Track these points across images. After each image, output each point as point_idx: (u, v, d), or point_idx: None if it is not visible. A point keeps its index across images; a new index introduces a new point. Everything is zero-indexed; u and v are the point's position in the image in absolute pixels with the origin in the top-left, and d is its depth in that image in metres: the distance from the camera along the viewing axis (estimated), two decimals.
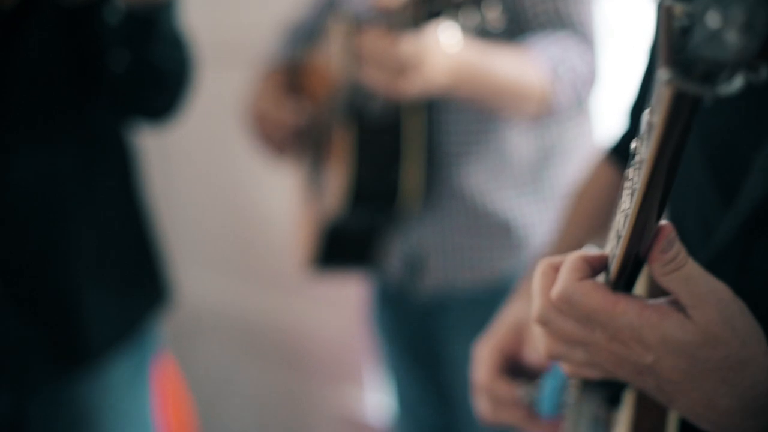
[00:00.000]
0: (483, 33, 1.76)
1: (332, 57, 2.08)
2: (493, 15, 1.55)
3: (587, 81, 1.87)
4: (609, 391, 1.07)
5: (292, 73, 2.29)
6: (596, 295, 0.76)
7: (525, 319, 1.25)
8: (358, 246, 2.15)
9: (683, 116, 0.60)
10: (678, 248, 0.74)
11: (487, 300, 1.75)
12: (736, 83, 0.56)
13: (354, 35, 1.93)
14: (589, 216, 1.34)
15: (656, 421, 0.97)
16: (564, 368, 0.87)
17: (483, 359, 1.26)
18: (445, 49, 1.67)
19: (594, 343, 0.78)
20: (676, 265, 0.74)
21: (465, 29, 1.61)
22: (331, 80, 2.15)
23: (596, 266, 0.80)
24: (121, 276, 1.87)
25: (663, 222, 0.73)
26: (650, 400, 0.90)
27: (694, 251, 0.79)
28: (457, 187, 1.97)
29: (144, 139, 2.27)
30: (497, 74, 1.75)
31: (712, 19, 0.53)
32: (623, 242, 0.74)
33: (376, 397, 3.12)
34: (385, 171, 1.97)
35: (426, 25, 1.60)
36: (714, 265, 0.80)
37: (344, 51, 1.98)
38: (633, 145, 0.72)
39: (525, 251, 1.98)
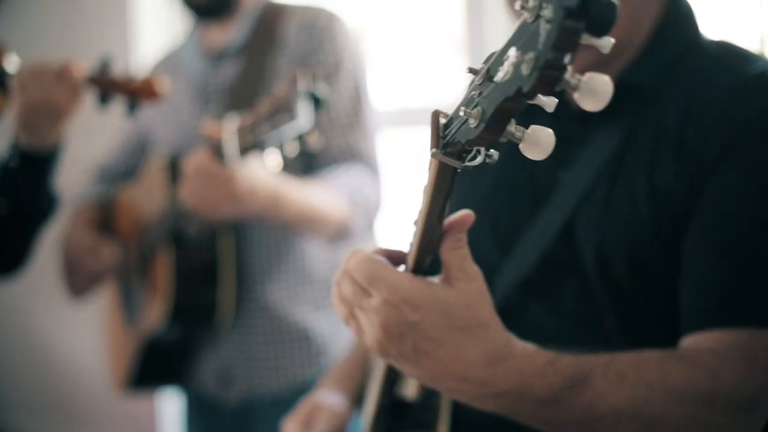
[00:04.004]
0: (303, 156, 1.94)
1: (150, 189, 2.21)
2: (313, 138, 1.71)
3: (376, 205, 2.10)
4: None
5: (103, 212, 2.39)
6: (377, 264, 0.95)
7: (324, 402, 1.49)
8: (174, 363, 2.24)
9: (445, 180, 0.89)
10: (464, 234, 0.95)
11: (291, 400, 1.81)
12: (478, 160, 0.85)
13: (174, 167, 2.09)
14: None
15: None
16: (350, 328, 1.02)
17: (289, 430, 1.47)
18: (263, 177, 1.81)
19: (369, 308, 0.95)
20: (461, 245, 0.95)
21: (286, 156, 1.74)
22: (141, 215, 2.26)
23: (390, 255, 0.99)
24: None
25: (466, 213, 0.96)
26: None
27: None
28: (261, 303, 2.12)
29: None
30: (304, 203, 1.91)
31: (461, 111, 0.82)
32: (414, 247, 0.95)
33: None
34: (203, 288, 2.09)
35: (250, 153, 1.73)
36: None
37: (164, 181, 2.12)
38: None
39: (323, 359, 2.14)
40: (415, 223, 0.96)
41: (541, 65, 0.69)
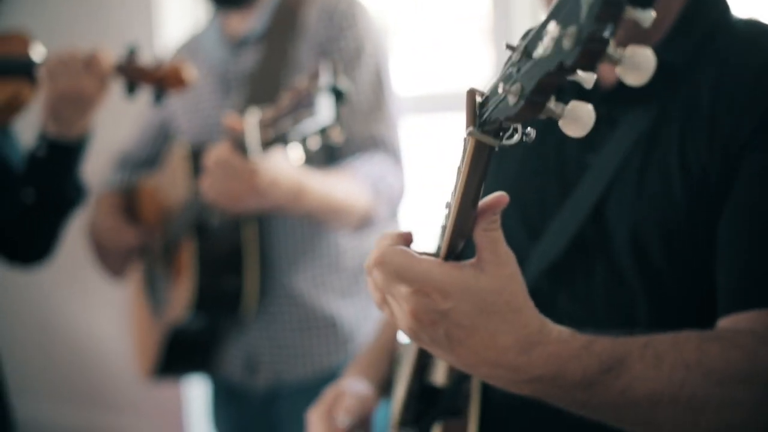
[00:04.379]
0: (326, 150, 1.93)
1: (173, 178, 2.21)
2: (335, 132, 1.72)
3: (399, 194, 2.09)
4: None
5: (127, 198, 2.40)
6: (404, 256, 0.92)
7: (348, 389, 1.47)
8: (200, 351, 2.24)
9: (481, 160, 0.87)
10: (498, 216, 0.92)
11: (318, 387, 1.79)
12: (515, 138, 0.84)
13: (196, 157, 2.07)
14: None
15: None
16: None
17: (314, 421, 1.45)
18: (285, 170, 1.80)
19: (400, 297, 0.92)
20: (494, 227, 0.92)
21: (308, 150, 1.74)
22: (165, 204, 2.27)
23: (409, 239, 0.97)
24: None
25: (501, 194, 0.92)
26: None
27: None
28: (287, 290, 2.12)
29: None
30: (327, 194, 1.90)
31: (500, 88, 0.80)
32: (448, 231, 0.92)
33: None
34: (227, 276, 2.09)
35: (272, 147, 1.73)
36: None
37: (186, 171, 2.12)
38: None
39: (351, 346, 2.14)
40: (447, 206, 0.94)
41: (584, 39, 0.68)
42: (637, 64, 0.71)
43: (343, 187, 1.94)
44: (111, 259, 2.33)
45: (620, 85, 1.25)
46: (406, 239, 0.96)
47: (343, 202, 1.93)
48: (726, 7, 1.25)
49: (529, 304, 0.94)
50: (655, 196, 1.18)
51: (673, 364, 0.98)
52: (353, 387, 1.48)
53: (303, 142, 1.71)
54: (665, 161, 1.18)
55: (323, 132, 1.70)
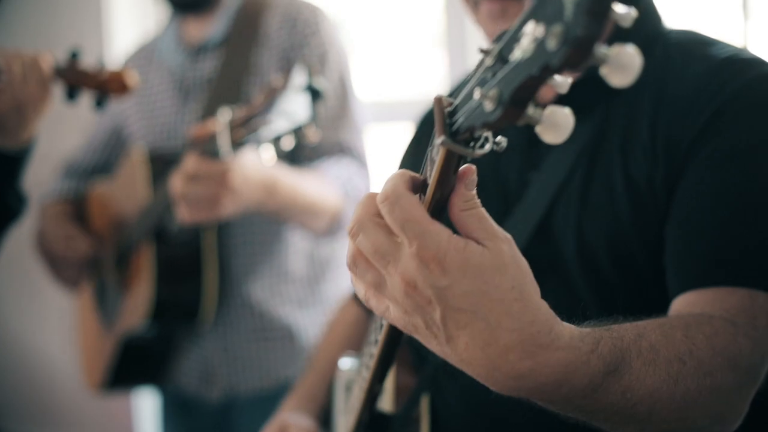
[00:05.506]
0: (291, 155, 1.89)
1: (129, 185, 2.14)
2: (311, 131, 1.67)
3: None
4: None
5: (76, 207, 2.32)
6: (419, 208, 0.78)
7: (292, 422, 1.43)
8: (154, 362, 2.18)
9: (450, 171, 0.78)
10: (474, 192, 0.80)
11: (274, 398, 1.78)
12: (486, 148, 0.76)
13: (155, 162, 2.03)
14: (339, 342, 1.56)
15: None
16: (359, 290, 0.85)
17: None
18: (257, 166, 1.76)
19: (395, 257, 0.79)
20: (473, 204, 0.79)
21: (280, 150, 1.70)
22: (117, 212, 2.20)
23: (417, 186, 0.83)
24: None
25: (467, 165, 0.80)
26: None
27: None
28: (244, 299, 2.07)
29: None
30: (301, 192, 1.87)
31: (476, 93, 0.71)
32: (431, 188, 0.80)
33: None
34: (186, 285, 2.03)
35: (243, 147, 1.68)
36: None
37: (145, 176, 2.05)
38: None
39: (308, 356, 2.07)
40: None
41: (571, 38, 0.62)
42: (624, 64, 0.66)
43: (314, 184, 1.92)
44: (65, 269, 2.25)
45: (557, 103, 1.22)
46: (415, 183, 0.82)
47: (315, 200, 1.91)
48: (659, 19, 1.25)
49: (537, 296, 0.80)
50: (600, 210, 1.15)
51: (668, 358, 0.91)
52: (297, 421, 1.44)
53: (276, 141, 1.67)
54: (608, 174, 1.15)
55: (298, 131, 1.67)
